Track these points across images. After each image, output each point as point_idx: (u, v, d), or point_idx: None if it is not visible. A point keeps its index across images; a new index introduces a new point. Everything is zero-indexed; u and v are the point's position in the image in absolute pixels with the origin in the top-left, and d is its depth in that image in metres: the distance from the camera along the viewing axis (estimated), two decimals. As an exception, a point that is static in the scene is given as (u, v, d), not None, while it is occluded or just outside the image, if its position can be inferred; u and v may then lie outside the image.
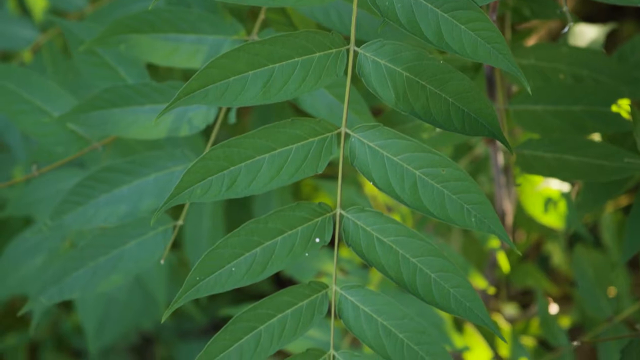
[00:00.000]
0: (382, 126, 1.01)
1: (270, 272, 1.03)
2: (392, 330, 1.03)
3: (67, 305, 2.47)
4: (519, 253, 1.01)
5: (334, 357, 1.06)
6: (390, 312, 1.03)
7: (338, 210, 1.04)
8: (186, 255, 1.95)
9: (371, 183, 1.01)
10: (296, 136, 1.01)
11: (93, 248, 1.35)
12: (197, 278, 1.03)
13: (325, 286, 1.05)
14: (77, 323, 2.44)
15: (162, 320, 1.06)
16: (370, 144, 1.02)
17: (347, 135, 1.03)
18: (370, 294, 1.04)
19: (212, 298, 2.40)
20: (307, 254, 1.03)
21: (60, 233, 1.66)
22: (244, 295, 2.39)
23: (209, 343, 1.03)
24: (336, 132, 1.03)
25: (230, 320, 1.02)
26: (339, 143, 1.03)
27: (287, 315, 1.04)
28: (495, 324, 1.01)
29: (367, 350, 1.70)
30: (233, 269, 1.02)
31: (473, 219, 0.99)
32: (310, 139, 1.02)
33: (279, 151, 1.02)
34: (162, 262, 1.32)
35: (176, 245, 2.12)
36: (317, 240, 1.03)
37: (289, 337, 1.04)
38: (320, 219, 1.04)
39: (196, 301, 2.28)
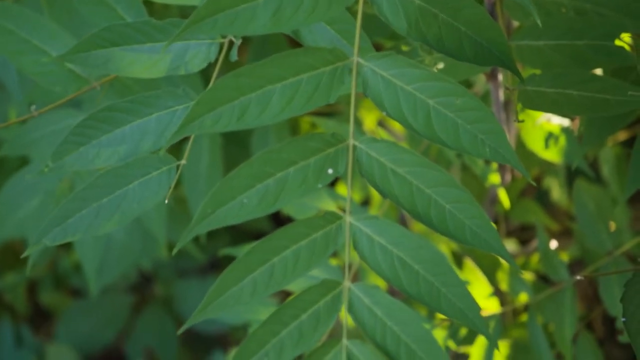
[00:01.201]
0: (395, 54, 1.00)
1: (283, 203, 1.02)
2: (407, 262, 1.03)
3: (66, 245, 2.46)
4: (533, 184, 1.01)
5: (349, 288, 1.05)
6: (405, 243, 1.03)
7: (351, 141, 1.03)
8: (184, 193, 1.95)
9: (384, 113, 1.00)
10: (308, 65, 1.00)
11: (96, 189, 1.34)
12: (209, 210, 1.02)
13: (339, 217, 1.04)
14: (76, 262, 2.44)
15: (174, 253, 1.05)
16: (383, 73, 1.01)
17: (359, 65, 1.02)
18: (386, 224, 1.03)
19: (211, 237, 2.41)
20: (320, 186, 1.02)
21: (60, 174, 1.65)
22: (243, 234, 2.40)
23: (222, 275, 1.02)
24: (349, 60, 1.02)
25: (244, 253, 1.02)
26: (350, 72, 1.02)
27: (301, 247, 1.03)
28: (511, 256, 1.01)
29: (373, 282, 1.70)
30: (245, 200, 1.01)
31: (487, 149, 0.99)
32: (322, 68, 1.01)
33: (290, 81, 1.00)
34: (166, 201, 1.32)
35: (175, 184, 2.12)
36: (330, 171, 1.02)
37: (303, 269, 1.03)
38: (333, 149, 1.03)
39: (196, 240, 2.28)
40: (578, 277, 1.39)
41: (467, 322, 1.02)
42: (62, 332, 2.57)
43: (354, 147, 1.03)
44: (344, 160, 1.03)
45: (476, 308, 1.01)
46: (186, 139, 1.34)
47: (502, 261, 1.83)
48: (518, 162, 0.98)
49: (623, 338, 1.70)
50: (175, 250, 1.05)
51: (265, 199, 1.02)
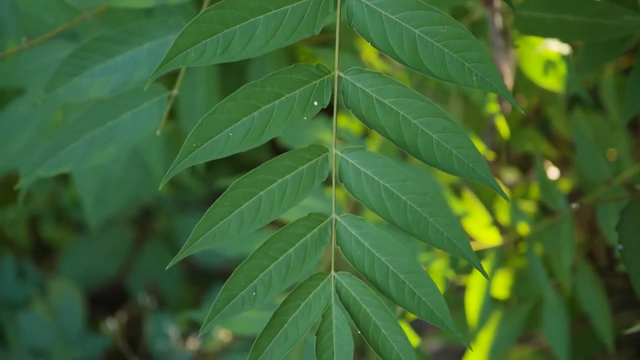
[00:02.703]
0: (380, -17, 0.98)
1: (269, 136, 1.01)
2: (394, 193, 1.02)
3: (65, 179, 2.46)
4: (522, 112, 1.00)
5: (336, 220, 1.05)
6: (392, 174, 1.02)
7: (336, 72, 1.02)
8: (182, 126, 1.94)
9: (369, 44, 0.99)
10: (291, -5, 0.98)
11: (88, 120, 1.33)
12: (194, 144, 1.01)
13: (325, 150, 1.03)
14: (76, 196, 2.44)
15: (160, 188, 1.04)
16: (368, 3, 0.99)
17: (343, -6, 1.00)
18: (372, 156, 1.02)
19: (210, 169, 2.40)
20: (305, 118, 1.01)
21: (53, 105, 1.64)
22: (242, 166, 2.39)
23: (208, 210, 1.01)
24: (333, -10, 1.00)
25: (230, 187, 1.01)
26: (335, 3, 1.00)
27: (287, 180, 1.03)
28: (498, 184, 0.99)
29: (368, 216, 1.70)
30: (230, 134, 1.00)
31: (474, 78, 0.97)
32: (307, -1, 0.99)
33: (274, 12, 0.99)
34: (158, 132, 1.31)
35: (172, 116, 2.11)
36: (316, 103, 1.01)
37: (290, 202, 1.03)
38: (318, 81, 1.01)
39: (193, 172, 2.27)
40: (574, 206, 1.38)
41: (455, 251, 1.01)
42: (64, 266, 2.58)
43: (339, 78, 1.02)
44: (329, 92, 1.02)
45: (464, 237, 1.01)
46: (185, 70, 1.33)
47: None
48: (505, 90, 0.97)
49: (621, 267, 1.69)
50: (161, 185, 1.04)
51: (251, 132, 1.01)
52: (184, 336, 2.42)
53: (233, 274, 1.03)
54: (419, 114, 0.99)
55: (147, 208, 2.68)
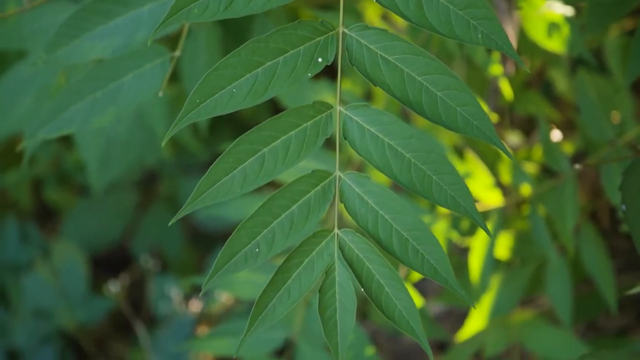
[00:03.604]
0: (385, -61, 0.97)
1: (272, 93, 1.01)
2: (398, 150, 1.02)
3: (68, 142, 2.46)
4: (528, 71, 0.99)
5: (339, 178, 1.05)
6: (396, 131, 1.01)
7: (341, 29, 1.01)
8: (184, 89, 1.94)
9: (375, 0, 0.98)
10: (295, -50, 0.98)
11: (90, 82, 1.33)
12: (197, 100, 1.00)
13: (329, 107, 1.03)
14: (79, 160, 2.44)
15: (163, 144, 1.04)
16: (373, -41, 0.98)
17: (348, -50, 1.00)
18: (376, 113, 1.02)
19: (213, 132, 2.40)
20: (309, 75, 1.00)
21: (55, 67, 1.64)
22: (245, 128, 2.39)
23: (212, 166, 1.01)
24: (337, -54, 0.99)
25: (234, 143, 1.01)
26: (339, -41, 1.00)
27: (291, 137, 1.02)
28: (502, 142, 0.99)
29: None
30: (234, 90, 1.00)
31: (480, 35, 0.97)
32: (310, -48, 0.99)
33: (278, -35, 0.98)
34: (160, 94, 1.31)
35: (174, 79, 2.10)
36: (320, 60, 1.01)
37: (293, 159, 1.03)
38: (322, 37, 1.01)
39: (195, 134, 2.27)
40: (577, 166, 1.38)
41: (459, 209, 1.01)
42: (67, 229, 2.59)
43: (344, 34, 1.01)
44: (333, 49, 1.01)
45: (469, 196, 1.01)
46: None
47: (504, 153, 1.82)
48: (511, 48, 0.96)
49: (624, 227, 1.69)
50: (164, 141, 1.04)
51: (254, 88, 1.01)
52: (187, 299, 2.43)
53: (235, 230, 1.03)
54: (424, 71, 0.99)
55: (151, 171, 2.68)
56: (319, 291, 1.04)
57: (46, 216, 2.78)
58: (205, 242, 2.64)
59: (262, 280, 1.76)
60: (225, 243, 1.02)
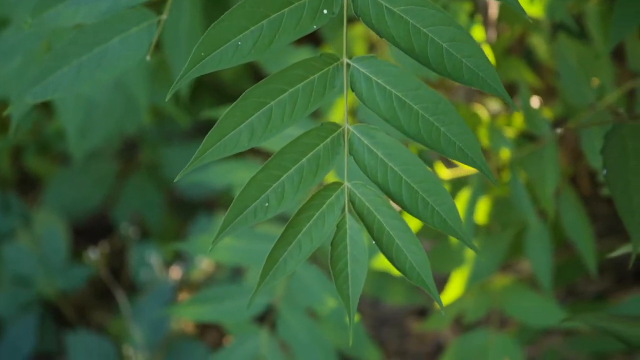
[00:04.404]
0: None
1: (278, 46, 1.00)
2: (406, 102, 1.02)
3: (49, 110, 2.46)
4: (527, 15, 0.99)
5: (348, 130, 1.05)
6: (404, 83, 1.01)
7: (345, -20, 1.01)
8: (166, 57, 1.93)
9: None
10: None
11: (76, 46, 1.33)
12: (202, 54, 1.00)
13: (337, 58, 1.03)
14: (60, 128, 2.44)
15: (167, 98, 1.04)
16: None
17: None
18: (383, 65, 1.02)
19: (194, 100, 2.40)
20: (315, 27, 1.00)
21: (40, 31, 1.63)
22: (227, 98, 2.39)
23: (219, 120, 1.00)
24: None
25: (241, 97, 1.00)
26: None
27: (299, 90, 1.02)
28: (507, 94, 1.00)
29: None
30: (239, 43, 1.00)
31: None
32: None
33: None
34: (148, 58, 1.30)
35: (156, 48, 2.10)
36: (325, 11, 1.01)
37: (301, 112, 1.02)
38: (328, -12, 1.01)
39: (177, 102, 2.27)
40: (558, 130, 1.39)
41: (467, 160, 1.01)
42: (48, 198, 2.58)
43: (349, -15, 1.02)
44: (339, 0, 1.02)
45: (477, 147, 1.01)
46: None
47: (484, 118, 1.83)
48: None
49: (605, 191, 1.71)
50: (168, 96, 1.03)
51: (259, 41, 1.01)
52: (167, 266, 2.43)
53: (246, 184, 1.03)
54: (429, 23, 0.99)
55: (132, 140, 2.68)
56: (331, 244, 1.05)
57: (28, 186, 2.77)
58: (185, 210, 2.64)
59: (244, 245, 1.77)
60: (235, 197, 1.02)
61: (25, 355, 2.30)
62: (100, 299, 2.61)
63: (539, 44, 1.97)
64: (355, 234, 1.04)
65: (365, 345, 1.85)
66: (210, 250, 1.07)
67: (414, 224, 1.87)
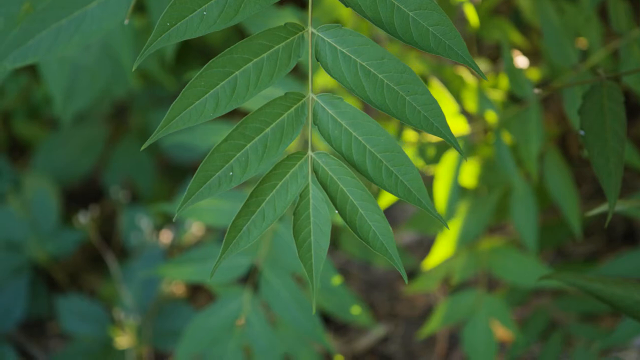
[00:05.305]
0: None
1: (244, 15, 1.00)
2: (371, 71, 1.02)
3: (36, 75, 2.45)
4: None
5: (313, 99, 1.05)
6: (369, 52, 1.01)
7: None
8: (152, 20, 1.93)
9: None
10: None
11: (55, 10, 1.32)
12: (168, 24, 1.00)
13: (301, 28, 1.03)
14: (48, 93, 2.43)
15: (133, 69, 1.04)
16: None
17: None
18: (348, 34, 1.01)
19: (182, 63, 2.39)
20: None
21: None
22: (214, 60, 2.38)
23: (184, 89, 1.01)
24: None
25: (205, 66, 1.00)
26: None
27: (264, 59, 1.02)
28: (473, 60, 1.00)
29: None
30: (205, 12, 1.00)
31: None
32: None
33: None
34: (126, 22, 1.30)
35: (142, 10, 2.09)
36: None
37: (265, 82, 1.02)
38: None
39: (162, 63, 2.26)
40: (537, 91, 1.38)
41: (432, 129, 1.02)
42: (38, 163, 2.58)
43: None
44: (305, -33, 1.01)
45: (442, 116, 1.01)
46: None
47: (469, 81, 1.82)
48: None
49: (585, 152, 1.71)
50: (134, 66, 1.03)
51: (225, 10, 1.00)
52: (157, 230, 2.43)
53: (209, 154, 1.03)
54: (396, -10, 0.99)
55: (121, 104, 2.67)
56: (294, 214, 1.05)
57: (18, 150, 2.77)
58: (176, 174, 2.64)
59: (228, 207, 1.77)
60: (199, 167, 1.03)
61: (16, 320, 2.31)
62: (90, 263, 2.61)
63: (526, 5, 1.95)
64: (319, 204, 1.04)
65: (352, 307, 1.85)
66: (175, 218, 1.07)
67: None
